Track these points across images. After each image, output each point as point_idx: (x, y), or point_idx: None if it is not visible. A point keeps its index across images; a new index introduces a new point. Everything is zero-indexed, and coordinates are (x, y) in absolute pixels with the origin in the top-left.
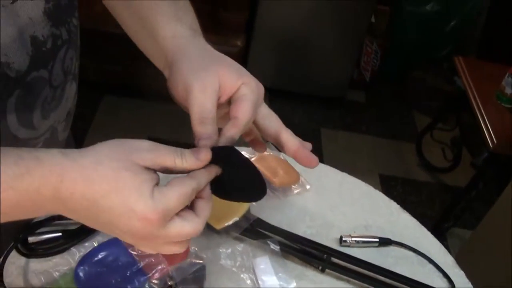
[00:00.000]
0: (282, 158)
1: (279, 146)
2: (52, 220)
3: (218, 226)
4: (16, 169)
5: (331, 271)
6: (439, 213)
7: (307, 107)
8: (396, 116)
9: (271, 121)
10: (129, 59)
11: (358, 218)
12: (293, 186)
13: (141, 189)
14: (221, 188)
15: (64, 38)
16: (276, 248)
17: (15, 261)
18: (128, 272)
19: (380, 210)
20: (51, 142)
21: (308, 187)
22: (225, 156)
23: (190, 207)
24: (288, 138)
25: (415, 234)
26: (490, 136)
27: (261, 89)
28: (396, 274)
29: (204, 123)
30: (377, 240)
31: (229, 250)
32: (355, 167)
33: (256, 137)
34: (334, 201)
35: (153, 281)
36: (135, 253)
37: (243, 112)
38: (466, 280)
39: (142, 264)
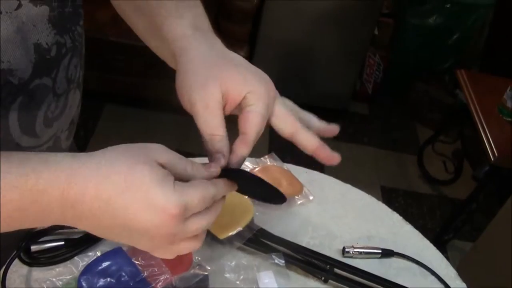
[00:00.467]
0: (286, 169)
1: (297, 145)
2: (55, 229)
3: (221, 236)
4: (21, 170)
5: (334, 282)
6: (440, 225)
7: None
8: (398, 128)
9: (287, 122)
10: (132, 68)
11: (361, 229)
12: (297, 197)
13: (162, 182)
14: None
15: (68, 46)
16: (281, 262)
17: (17, 270)
18: (132, 282)
19: (382, 221)
20: (54, 151)
21: (311, 198)
22: (237, 175)
23: None
24: (306, 138)
25: (417, 246)
26: (491, 149)
27: (271, 91)
28: (398, 285)
29: (212, 141)
30: (380, 251)
31: (233, 263)
32: (357, 179)
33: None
34: (337, 212)
35: None
36: (138, 262)
37: (251, 127)
38: None
39: (145, 273)
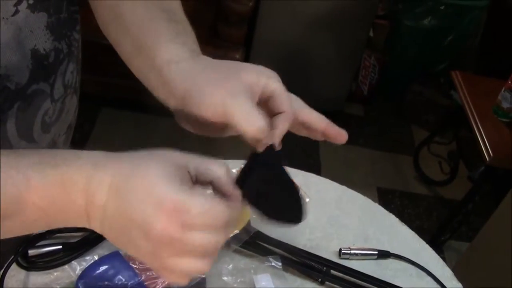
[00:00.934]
0: None
1: (305, 126)
2: (52, 233)
3: None
4: (53, 161)
5: (330, 284)
6: (436, 226)
7: None
8: (394, 130)
9: (300, 106)
10: (128, 71)
11: (357, 231)
12: None
13: (167, 175)
14: (256, 199)
15: (65, 52)
16: (278, 265)
17: (15, 274)
18: (129, 286)
19: (379, 223)
20: None
21: (307, 200)
22: (269, 167)
23: None
24: (315, 117)
25: (413, 247)
26: (486, 149)
27: (277, 75)
28: (395, 286)
29: (254, 123)
30: (376, 252)
31: (230, 266)
32: (353, 180)
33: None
34: (333, 214)
35: None
36: (136, 266)
37: (287, 104)
38: None
39: (143, 277)
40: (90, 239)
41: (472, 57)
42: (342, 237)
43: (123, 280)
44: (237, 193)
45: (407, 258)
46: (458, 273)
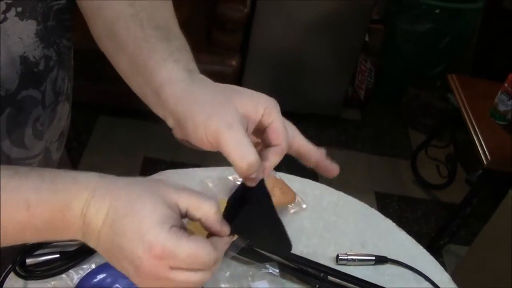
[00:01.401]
0: (278, 177)
1: (298, 156)
2: (49, 242)
3: None
4: (53, 186)
5: None
6: (435, 230)
7: (302, 125)
8: (391, 134)
9: (293, 133)
10: None
11: (354, 236)
12: (290, 206)
13: (160, 220)
14: (245, 233)
15: (54, 59)
16: (275, 272)
17: (13, 284)
18: None
19: (376, 228)
20: (46, 163)
21: (304, 206)
22: (257, 201)
23: None
24: (310, 148)
25: (411, 252)
26: (484, 153)
27: (277, 103)
28: None
29: (246, 158)
30: (374, 258)
31: (228, 273)
32: (351, 185)
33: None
34: (330, 220)
35: None
36: None
37: (282, 137)
38: None
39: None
40: (87, 248)
41: (468, 60)
42: (339, 243)
43: None
44: (225, 230)
45: (405, 264)
46: (458, 277)
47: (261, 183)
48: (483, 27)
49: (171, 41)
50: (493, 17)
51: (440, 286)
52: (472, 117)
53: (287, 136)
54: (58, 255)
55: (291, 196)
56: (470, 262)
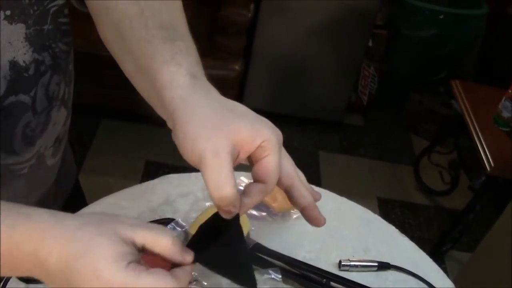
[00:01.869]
0: None
1: (289, 197)
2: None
3: None
4: (8, 219)
5: None
6: (437, 236)
7: (305, 130)
8: (394, 139)
9: (288, 173)
10: (127, 83)
11: (357, 242)
12: (292, 211)
13: (114, 258)
14: (210, 264)
15: (48, 64)
16: (278, 277)
17: (14, 287)
18: None
19: (378, 234)
20: (38, 168)
21: (294, 216)
22: (226, 239)
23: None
24: (300, 194)
25: (414, 258)
26: (487, 159)
27: (280, 138)
28: None
29: (220, 189)
30: (376, 264)
31: None
32: (353, 191)
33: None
34: (332, 226)
35: None
36: None
37: (271, 177)
38: None
39: None
40: None
41: (472, 66)
42: (342, 248)
43: None
44: (188, 259)
45: (407, 270)
46: (460, 284)
47: (236, 217)
48: (487, 33)
49: (175, 42)
50: (497, 23)
51: None
52: (475, 123)
53: (276, 175)
54: None
55: None
56: (472, 269)
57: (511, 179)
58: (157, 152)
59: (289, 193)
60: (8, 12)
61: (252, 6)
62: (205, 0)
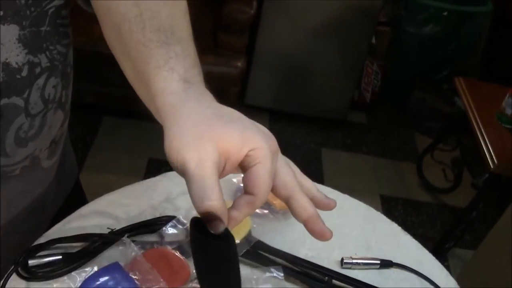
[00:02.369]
0: None
1: (289, 209)
2: (52, 243)
3: None
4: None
5: None
6: (440, 234)
7: (308, 128)
8: (397, 137)
9: (286, 183)
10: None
11: (359, 240)
12: None
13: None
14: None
15: (44, 66)
16: (280, 275)
17: (15, 285)
18: None
19: (381, 231)
20: (32, 170)
21: None
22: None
23: None
24: (301, 205)
25: (416, 256)
26: (490, 156)
27: (273, 146)
28: None
29: (204, 201)
30: (378, 262)
31: None
32: (356, 188)
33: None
34: (335, 223)
35: None
36: (135, 277)
37: (260, 188)
38: None
39: None
40: (90, 250)
41: (475, 63)
42: (344, 246)
43: None
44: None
45: (410, 268)
46: (463, 282)
47: (226, 231)
48: (491, 30)
49: (170, 46)
50: (501, 20)
51: None
52: (479, 121)
53: (266, 187)
54: (60, 257)
55: None
56: (475, 266)
57: None
58: (160, 149)
59: (288, 205)
60: (0, 13)
61: (254, 3)
62: None
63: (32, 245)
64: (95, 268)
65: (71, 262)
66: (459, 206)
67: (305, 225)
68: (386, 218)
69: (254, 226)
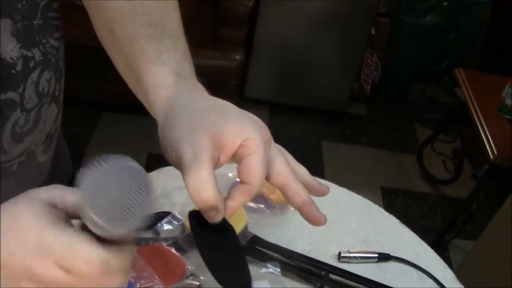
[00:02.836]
0: None
1: (284, 196)
2: None
3: None
4: None
5: None
6: (441, 225)
7: (308, 120)
8: (397, 128)
9: (280, 171)
10: None
11: (357, 233)
12: None
13: (39, 214)
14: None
15: (38, 60)
16: (277, 271)
17: None
18: None
19: (379, 225)
20: (28, 165)
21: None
22: (217, 235)
23: None
24: (295, 191)
25: (414, 249)
26: (490, 147)
27: (266, 135)
28: None
29: (200, 192)
30: (376, 255)
31: None
32: (357, 180)
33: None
34: (332, 217)
35: None
36: (130, 274)
37: (255, 177)
38: None
39: (137, 285)
40: None
41: (476, 54)
42: (342, 240)
43: None
44: None
45: (408, 261)
46: (463, 272)
47: (224, 221)
48: (491, 21)
49: (161, 41)
50: (502, 10)
51: (444, 284)
52: (479, 112)
53: (260, 175)
54: None
55: None
56: (476, 257)
57: None
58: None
59: (283, 192)
60: None
61: None
62: None
63: None
64: None
65: None
66: (459, 197)
67: (300, 211)
68: (384, 211)
69: (250, 221)
